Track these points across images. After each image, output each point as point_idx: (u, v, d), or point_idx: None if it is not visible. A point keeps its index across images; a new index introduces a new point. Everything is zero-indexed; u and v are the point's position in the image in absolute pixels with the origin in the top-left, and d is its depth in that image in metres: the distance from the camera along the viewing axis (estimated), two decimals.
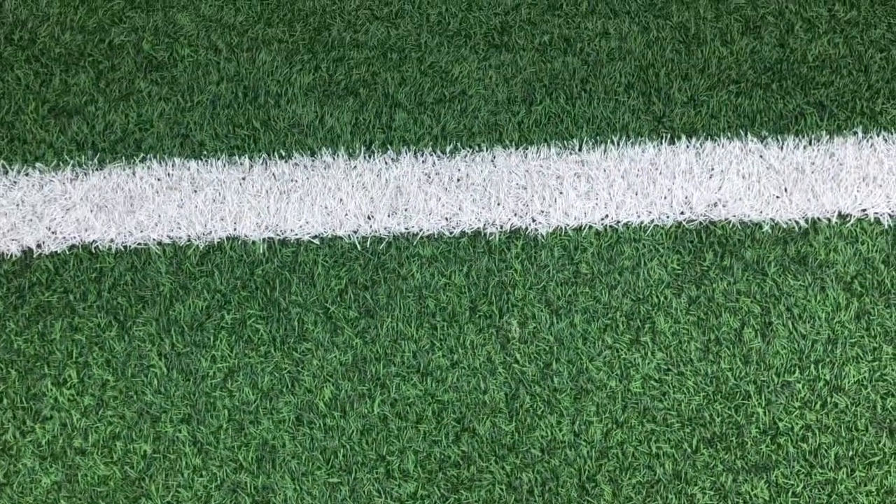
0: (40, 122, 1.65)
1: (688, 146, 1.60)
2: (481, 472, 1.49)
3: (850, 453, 1.48)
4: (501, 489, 1.49)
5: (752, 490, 1.47)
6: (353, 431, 1.51)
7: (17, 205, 1.61)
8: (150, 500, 1.49)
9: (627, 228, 1.57)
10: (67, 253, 1.58)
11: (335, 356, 1.53)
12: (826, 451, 1.48)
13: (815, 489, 1.47)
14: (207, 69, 1.67)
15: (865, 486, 1.47)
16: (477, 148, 1.61)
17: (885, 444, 1.48)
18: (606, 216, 1.57)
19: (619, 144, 1.60)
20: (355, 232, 1.58)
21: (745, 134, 1.61)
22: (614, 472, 1.49)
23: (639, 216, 1.57)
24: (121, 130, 1.64)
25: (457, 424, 1.51)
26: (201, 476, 1.50)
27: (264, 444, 1.51)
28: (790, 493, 1.47)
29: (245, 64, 1.67)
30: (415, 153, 1.61)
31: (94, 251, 1.58)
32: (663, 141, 1.60)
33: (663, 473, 1.48)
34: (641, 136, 1.61)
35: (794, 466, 1.48)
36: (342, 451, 1.50)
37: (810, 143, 1.60)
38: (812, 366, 1.51)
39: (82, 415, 1.52)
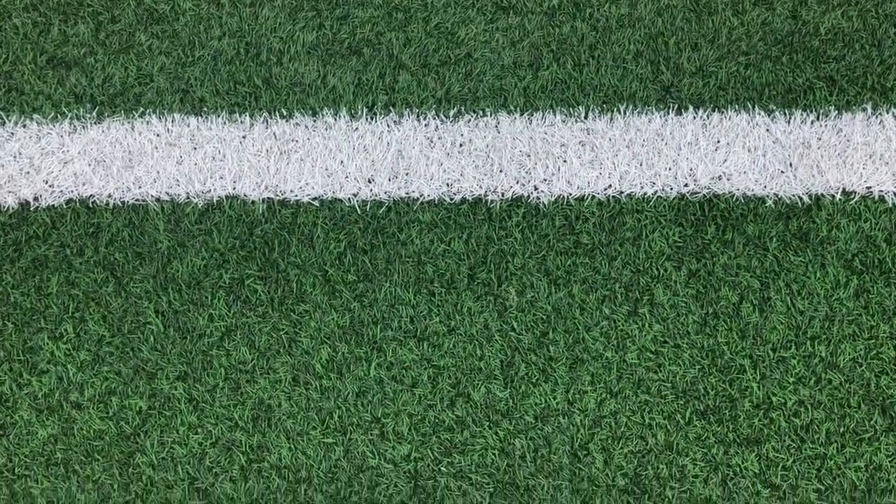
0: (38, 72, 1.63)
1: (694, 117, 1.58)
2: (475, 437, 1.50)
3: (842, 429, 1.49)
4: (494, 454, 1.50)
5: (743, 463, 1.49)
6: (348, 393, 1.52)
7: (15, 157, 1.59)
8: (145, 456, 1.51)
9: (630, 199, 1.56)
10: (65, 207, 1.57)
11: (332, 318, 1.53)
12: (818, 426, 1.49)
13: (804, 464, 1.49)
14: (209, 23, 1.64)
15: (855, 461, 1.48)
16: (481, 113, 1.59)
17: (876, 422, 1.49)
18: (610, 186, 1.56)
19: (625, 113, 1.58)
20: (355, 195, 1.56)
21: (753, 107, 1.58)
22: (606, 440, 1.50)
23: (642, 187, 1.56)
24: (120, 84, 1.62)
25: (452, 389, 1.51)
26: (196, 433, 1.51)
27: (260, 404, 1.52)
28: (780, 467, 1.48)
29: (247, 19, 1.64)
30: (417, 116, 1.59)
31: (91, 206, 1.57)
32: (670, 111, 1.58)
33: (655, 444, 1.50)
34: (648, 106, 1.59)
35: (785, 441, 1.49)
36: (338, 412, 1.51)
37: (818, 118, 1.58)
38: (808, 342, 1.51)
39: (78, 369, 1.53)
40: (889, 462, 1.48)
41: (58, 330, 1.54)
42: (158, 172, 1.58)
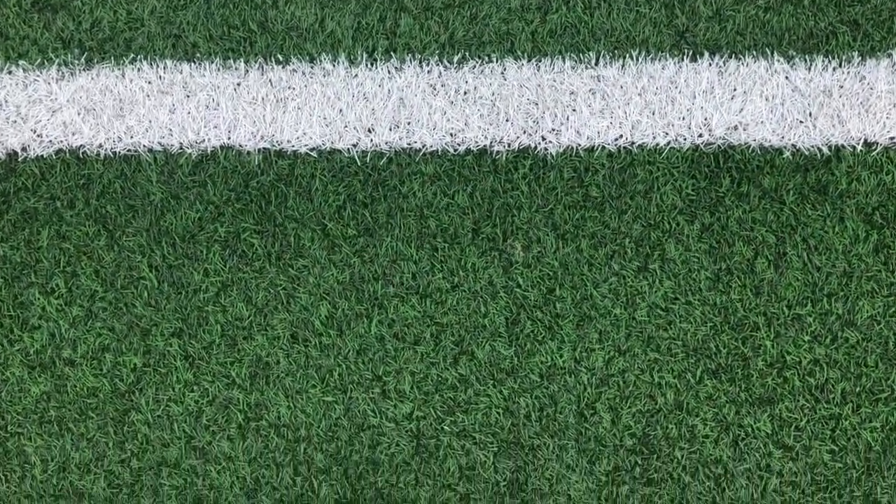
0: (23, 16, 1.56)
1: (710, 64, 1.51)
2: (478, 396, 1.47)
3: (858, 389, 1.45)
4: (498, 413, 1.47)
5: (755, 423, 1.45)
6: (349, 351, 1.48)
7: (1, 105, 1.53)
8: (140, 414, 1.47)
9: (642, 150, 1.50)
10: (54, 157, 1.52)
11: (332, 274, 1.49)
12: (833, 386, 1.45)
13: (818, 424, 1.45)
14: None
15: (871, 422, 1.45)
16: (487, 59, 1.53)
17: (893, 381, 1.45)
18: (621, 136, 1.50)
19: (638, 59, 1.51)
20: (355, 146, 1.51)
21: (772, 53, 1.51)
22: (614, 400, 1.46)
23: (654, 137, 1.50)
24: (109, 28, 1.55)
25: (455, 347, 1.48)
26: (192, 391, 1.48)
27: (258, 361, 1.48)
28: (793, 427, 1.45)
29: None
30: (420, 62, 1.52)
31: (81, 156, 1.52)
32: (685, 57, 1.51)
33: (664, 403, 1.46)
34: (662, 52, 1.52)
35: (799, 400, 1.45)
36: (338, 369, 1.48)
37: (840, 65, 1.51)
38: (825, 299, 1.46)
39: (71, 325, 1.49)
40: None
41: (49, 285, 1.50)
42: (150, 122, 1.52)
